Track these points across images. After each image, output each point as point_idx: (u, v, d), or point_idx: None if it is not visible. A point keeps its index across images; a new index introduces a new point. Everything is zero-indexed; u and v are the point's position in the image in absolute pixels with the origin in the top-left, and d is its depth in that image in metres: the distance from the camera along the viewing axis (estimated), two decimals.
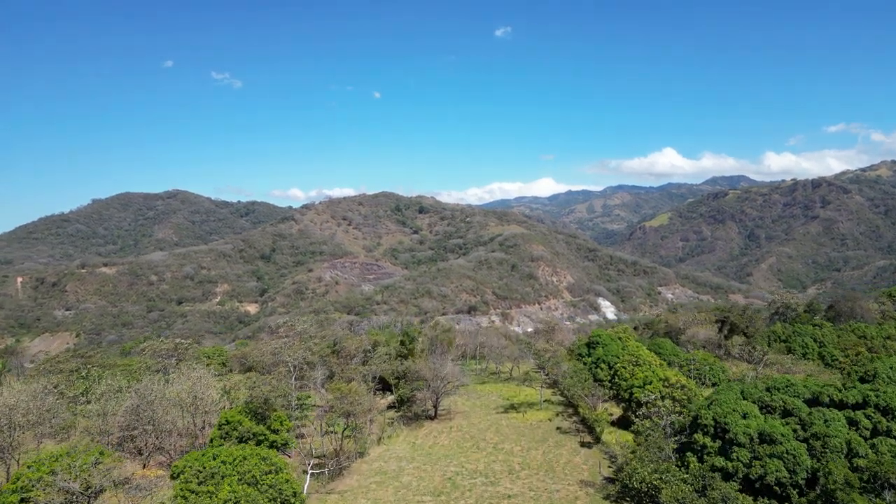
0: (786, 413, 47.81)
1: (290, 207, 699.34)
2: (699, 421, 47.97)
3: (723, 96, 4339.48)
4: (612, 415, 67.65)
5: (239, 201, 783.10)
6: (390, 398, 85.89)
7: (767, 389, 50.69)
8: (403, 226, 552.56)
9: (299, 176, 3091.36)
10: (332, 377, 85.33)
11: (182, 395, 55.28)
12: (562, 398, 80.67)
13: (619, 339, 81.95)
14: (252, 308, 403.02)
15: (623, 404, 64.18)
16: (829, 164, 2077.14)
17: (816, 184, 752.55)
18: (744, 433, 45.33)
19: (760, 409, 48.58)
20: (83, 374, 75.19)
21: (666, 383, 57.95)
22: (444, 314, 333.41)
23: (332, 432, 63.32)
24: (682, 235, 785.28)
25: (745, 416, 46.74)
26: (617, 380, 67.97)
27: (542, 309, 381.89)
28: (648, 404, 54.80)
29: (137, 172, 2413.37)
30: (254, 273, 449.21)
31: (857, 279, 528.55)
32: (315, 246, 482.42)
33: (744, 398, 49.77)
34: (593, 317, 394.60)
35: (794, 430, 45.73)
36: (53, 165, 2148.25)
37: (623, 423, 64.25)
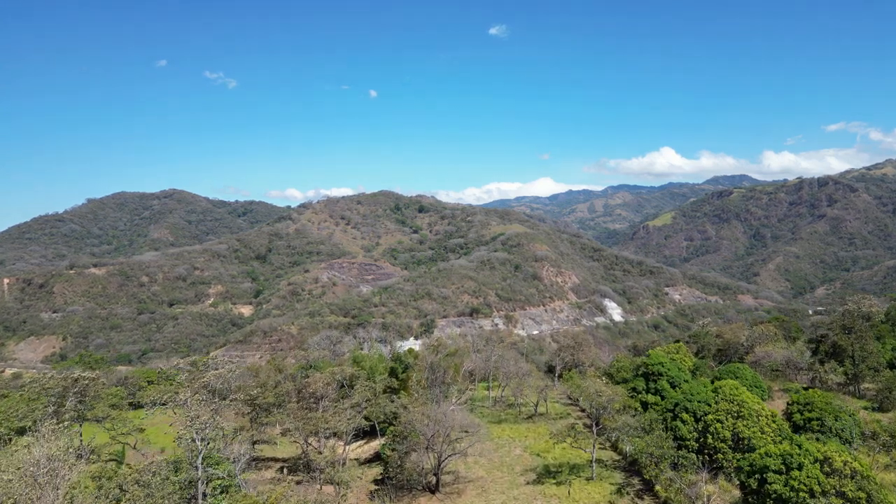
0: None
1: (289, 207, 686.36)
2: None
3: (720, 95, 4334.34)
4: None
5: (237, 201, 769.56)
6: (376, 444, 65.91)
7: None
8: (403, 225, 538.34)
9: (297, 175, 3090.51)
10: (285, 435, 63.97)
11: None
12: (615, 454, 59.48)
13: (673, 360, 61.10)
14: (246, 310, 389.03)
15: (748, 498, 39.62)
16: (830, 163, 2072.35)
17: (822, 182, 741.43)
18: None
19: None
20: None
21: (826, 466, 35.82)
22: (444, 317, 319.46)
23: None
24: (686, 235, 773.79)
25: None
26: (711, 441, 47.93)
27: (546, 311, 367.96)
28: None
29: (133, 172, 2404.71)
30: (248, 274, 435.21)
31: (868, 279, 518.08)
32: (312, 246, 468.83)
33: None
34: (599, 318, 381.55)
35: None
36: (48, 165, 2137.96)
37: None
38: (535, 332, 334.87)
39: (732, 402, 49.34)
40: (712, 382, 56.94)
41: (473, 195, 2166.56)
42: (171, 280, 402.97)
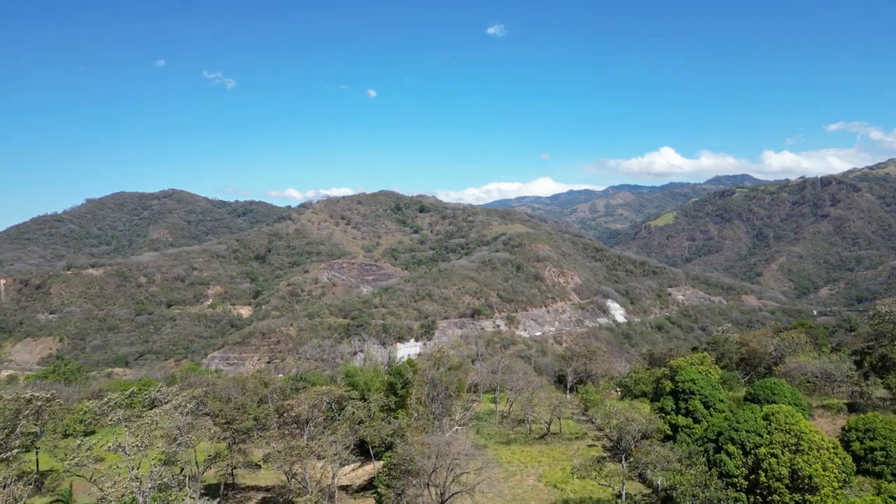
0: None
1: (289, 207, 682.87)
2: None
3: (720, 95, 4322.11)
4: None
5: (236, 201, 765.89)
6: (370, 469, 59.86)
7: None
8: (403, 225, 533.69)
9: (296, 175, 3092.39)
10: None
11: None
12: (643, 486, 52.60)
13: (699, 372, 55.13)
14: (245, 311, 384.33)
15: None
16: (830, 162, 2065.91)
17: (825, 182, 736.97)
18: None
19: None
20: None
21: None
22: (445, 318, 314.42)
23: None
24: (688, 235, 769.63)
25: None
26: (764, 479, 40.59)
27: (549, 312, 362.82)
28: None
29: (133, 172, 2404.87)
30: (248, 274, 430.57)
31: (872, 279, 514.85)
32: (312, 246, 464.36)
33: None
34: (602, 319, 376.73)
35: None
36: (47, 165, 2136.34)
37: None
38: (538, 334, 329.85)
39: (789, 433, 42.17)
40: (758, 405, 49.26)
41: (473, 195, 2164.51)
42: (170, 281, 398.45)
